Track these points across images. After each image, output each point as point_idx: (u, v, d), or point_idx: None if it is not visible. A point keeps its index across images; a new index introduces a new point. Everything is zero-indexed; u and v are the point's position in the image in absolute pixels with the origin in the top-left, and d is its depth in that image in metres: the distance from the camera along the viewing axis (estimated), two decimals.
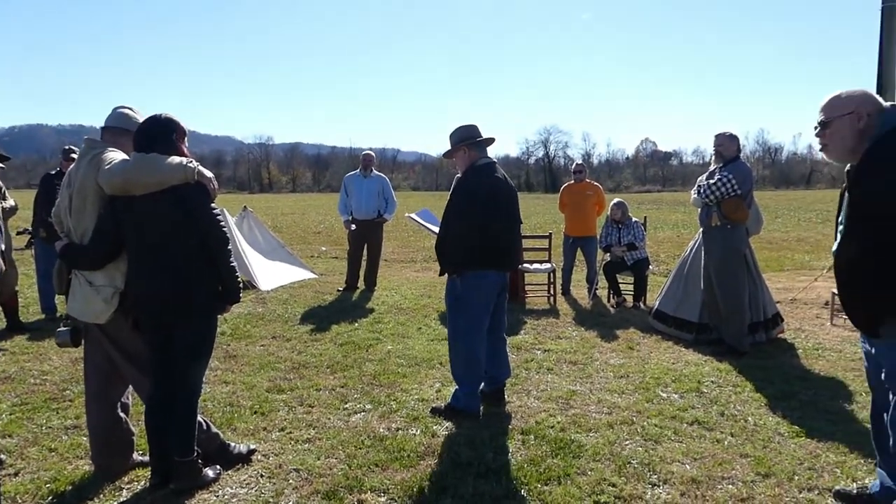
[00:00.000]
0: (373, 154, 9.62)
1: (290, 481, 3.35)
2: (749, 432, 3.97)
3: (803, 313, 7.51)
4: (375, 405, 4.47)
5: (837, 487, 3.20)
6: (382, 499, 3.19)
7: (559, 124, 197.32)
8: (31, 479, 3.37)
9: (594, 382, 4.97)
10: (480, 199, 4.16)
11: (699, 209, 5.98)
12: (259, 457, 3.61)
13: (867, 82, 6.19)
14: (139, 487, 3.28)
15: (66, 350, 5.16)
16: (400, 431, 4.01)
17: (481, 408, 4.31)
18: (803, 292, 8.50)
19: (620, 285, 8.29)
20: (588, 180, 9.12)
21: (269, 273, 9.40)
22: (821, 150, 2.82)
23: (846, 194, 2.73)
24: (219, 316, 3.41)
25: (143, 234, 3.09)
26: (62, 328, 3.30)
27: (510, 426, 4.09)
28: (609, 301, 8.32)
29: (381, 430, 4.03)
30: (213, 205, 3.18)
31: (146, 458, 3.37)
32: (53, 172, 7.13)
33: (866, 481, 3.22)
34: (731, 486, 3.27)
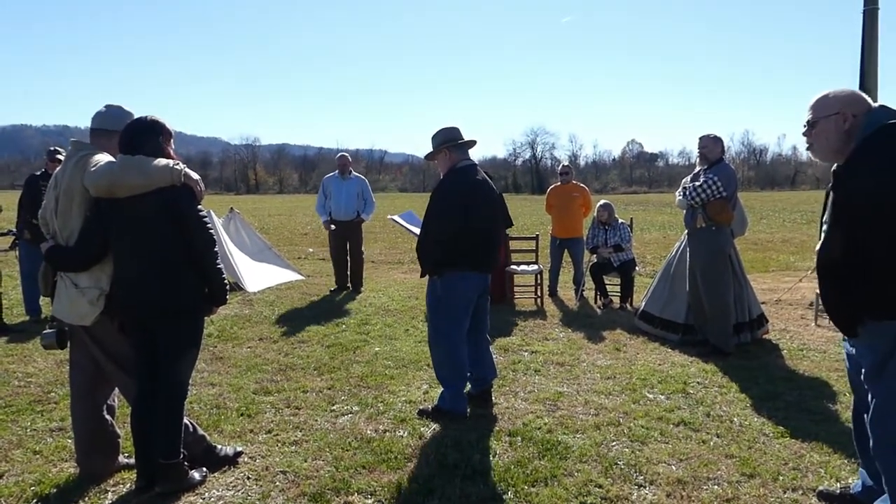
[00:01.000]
0: (348, 156, 9.65)
1: (277, 483, 3.34)
2: (734, 433, 4.00)
3: (788, 314, 7.58)
4: (363, 407, 4.47)
5: (821, 487, 3.24)
6: (369, 501, 3.19)
7: (546, 125, 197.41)
8: (16, 482, 3.35)
9: (581, 384, 4.99)
10: (460, 200, 4.18)
11: (684, 211, 6.03)
12: (246, 459, 3.60)
13: (850, 84, 6.25)
14: (125, 490, 3.26)
15: (50, 352, 5.16)
16: (387, 433, 4.01)
17: (468, 409, 4.33)
18: (788, 293, 8.57)
19: (607, 286, 8.33)
20: (574, 182, 9.20)
21: (255, 274, 9.36)
22: (807, 149, 2.85)
23: (831, 194, 2.76)
24: (205, 318, 3.40)
25: (129, 237, 3.08)
26: (48, 330, 3.29)
27: (497, 428, 4.10)
28: (596, 302, 8.36)
29: (369, 431, 4.03)
30: (199, 207, 3.18)
31: (132, 461, 3.35)
32: (38, 174, 7.07)
33: (849, 481, 3.26)
34: (716, 487, 3.30)
